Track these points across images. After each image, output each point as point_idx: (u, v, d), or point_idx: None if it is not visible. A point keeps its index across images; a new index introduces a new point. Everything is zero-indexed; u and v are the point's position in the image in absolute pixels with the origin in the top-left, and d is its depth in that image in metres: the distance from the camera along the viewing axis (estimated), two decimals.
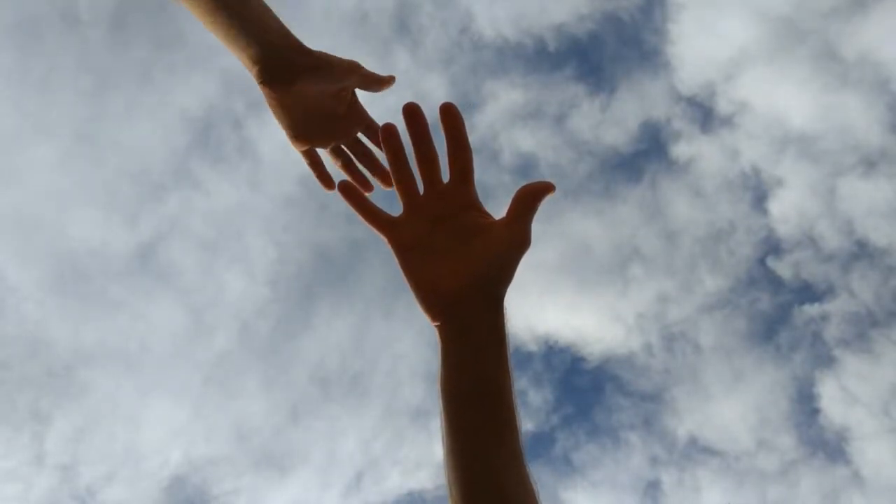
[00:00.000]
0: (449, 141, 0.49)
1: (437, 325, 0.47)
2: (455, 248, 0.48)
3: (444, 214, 0.49)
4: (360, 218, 0.51)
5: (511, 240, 0.47)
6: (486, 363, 0.45)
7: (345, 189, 0.51)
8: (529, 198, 0.48)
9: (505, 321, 0.46)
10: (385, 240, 0.50)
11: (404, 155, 0.50)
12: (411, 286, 0.48)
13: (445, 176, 0.50)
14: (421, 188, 0.50)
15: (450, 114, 0.49)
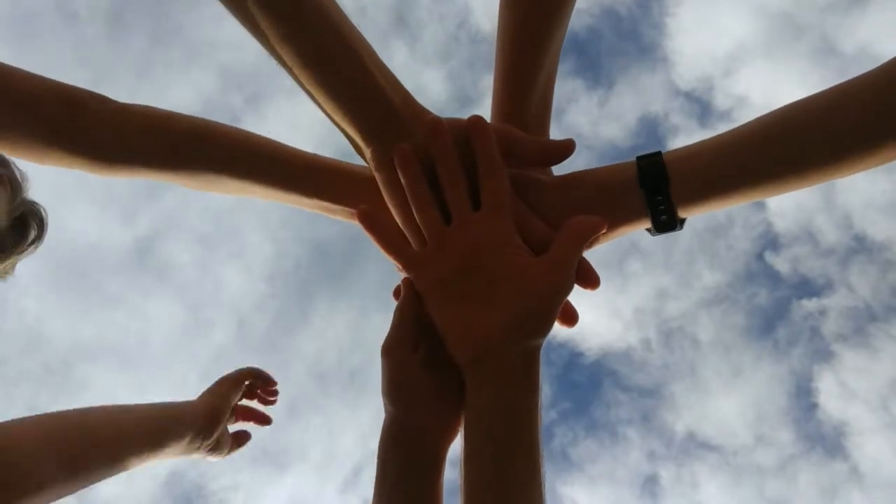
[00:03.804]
0: (480, 163, 0.43)
1: (465, 370, 0.41)
2: (487, 292, 0.41)
3: (475, 250, 0.42)
4: (381, 251, 0.45)
5: (552, 285, 0.41)
6: (515, 416, 0.40)
7: (364, 217, 0.45)
8: (578, 235, 0.42)
9: (539, 371, 0.41)
10: (410, 277, 0.44)
11: (424, 179, 0.43)
12: (439, 329, 0.43)
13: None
14: (447, 218, 0.44)
15: (480, 129, 0.43)
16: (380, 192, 0.44)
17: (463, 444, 0.41)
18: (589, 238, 0.43)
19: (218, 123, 0.48)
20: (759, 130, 0.42)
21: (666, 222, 0.43)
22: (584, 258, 0.44)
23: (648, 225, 0.44)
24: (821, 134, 0.40)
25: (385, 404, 0.45)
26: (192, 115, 0.48)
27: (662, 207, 0.43)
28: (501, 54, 0.48)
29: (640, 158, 0.44)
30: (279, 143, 0.48)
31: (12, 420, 0.51)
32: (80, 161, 0.46)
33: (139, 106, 0.47)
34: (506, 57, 0.48)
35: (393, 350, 0.44)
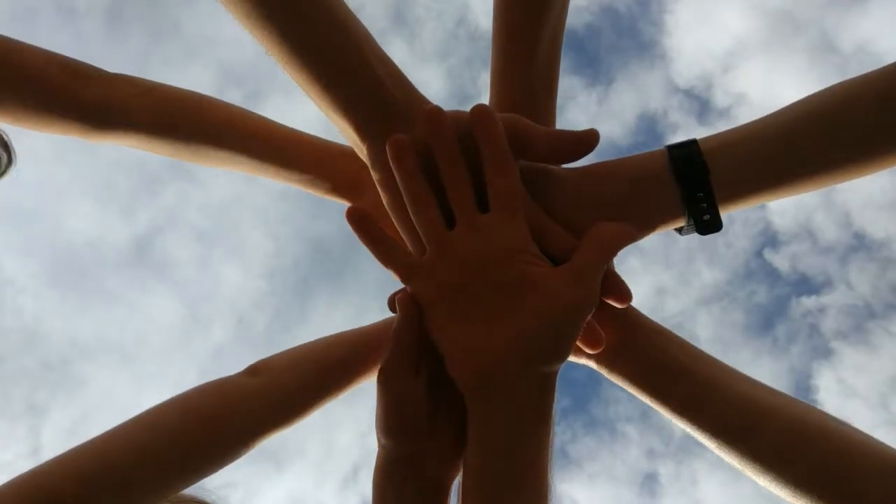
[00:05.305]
0: (486, 157, 0.37)
1: (467, 399, 0.36)
2: (495, 308, 0.36)
3: (481, 258, 0.36)
4: (375, 258, 0.40)
5: (573, 300, 0.35)
6: (524, 450, 0.35)
7: (354, 218, 0.40)
8: (605, 244, 0.37)
9: (553, 403, 0.36)
10: (407, 288, 0.38)
11: (422, 176, 0.38)
12: (439, 348, 0.37)
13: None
14: (451, 221, 0.38)
15: (485, 119, 0.37)
16: (364, 166, 0.40)
17: (463, 479, 0.37)
18: (619, 249, 0.37)
19: (210, 97, 0.49)
20: (808, 113, 0.37)
21: (709, 222, 0.38)
22: (612, 269, 0.40)
23: (682, 224, 0.39)
24: (885, 117, 0.36)
25: (379, 436, 0.39)
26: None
27: (705, 205, 0.37)
28: (496, 33, 0.45)
29: (671, 148, 0.38)
30: (269, 119, 0.50)
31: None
32: (75, 125, 0.46)
33: (134, 76, 0.49)
34: (501, 35, 0.44)
35: (391, 376, 0.38)
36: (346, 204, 0.49)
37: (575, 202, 0.39)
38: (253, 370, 0.44)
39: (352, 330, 0.47)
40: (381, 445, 0.40)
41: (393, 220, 0.40)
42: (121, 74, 0.48)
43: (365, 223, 0.39)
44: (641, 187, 0.38)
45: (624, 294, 0.39)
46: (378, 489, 0.40)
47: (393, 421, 0.38)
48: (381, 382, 0.38)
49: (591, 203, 0.39)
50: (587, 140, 0.38)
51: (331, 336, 0.47)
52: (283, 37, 0.36)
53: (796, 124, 0.37)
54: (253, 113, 0.50)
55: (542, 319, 0.35)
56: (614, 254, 0.37)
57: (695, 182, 0.37)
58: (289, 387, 0.43)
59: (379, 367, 0.40)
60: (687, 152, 0.37)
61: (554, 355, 0.36)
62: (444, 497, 0.40)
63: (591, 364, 0.43)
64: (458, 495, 0.38)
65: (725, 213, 0.38)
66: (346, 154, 0.47)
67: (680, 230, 0.40)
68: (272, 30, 0.36)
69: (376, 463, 0.40)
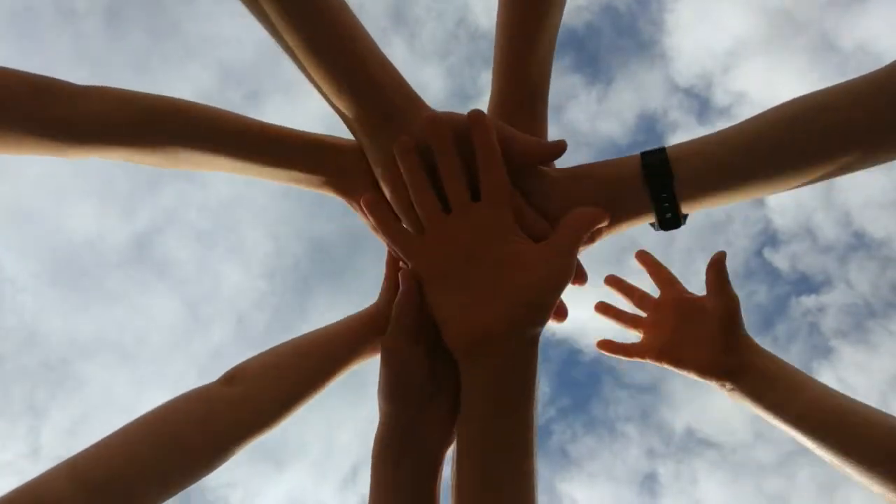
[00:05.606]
0: (479, 156, 0.43)
1: (461, 363, 0.41)
2: (487, 280, 0.41)
3: (474, 238, 0.43)
4: (381, 237, 0.46)
5: (554, 271, 0.41)
6: (514, 403, 0.40)
7: (371, 204, 0.45)
8: (580, 224, 0.43)
9: (537, 361, 0.41)
10: (408, 265, 0.44)
11: (423, 169, 0.43)
12: (436, 319, 0.42)
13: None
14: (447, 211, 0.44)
15: (480, 122, 0.43)
16: (355, 160, 0.46)
17: (457, 444, 0.41)
18: (591, 227, 0.43)
19: (187, 100, 0.48)
20: (765, 125, 0.43)
21: (670, 220, 0.44)
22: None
23: (652, 220, 0.45)
24: (829, 129, 0.41)
25: (381, 404, 0.44)
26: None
27: (667, 205, 0.44)
28: (498, 46, 0.51)
29: (644, 154, 0.44)
30: (252, 118, 0.49)
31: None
32: (47, 143, 0.44)
33: (106, 86, 0.47)
34: (502, 48, 0.50)
35: (395, 343, 0.44)
36: (337, 198, 0.49)
37: (556, 198, 0.46)
38: (230, 378, 0.47)
39: (324, 327, 0.52)
40: (382, 413, 0.44)
41: (395, 208, 0.45)
42: (92, 86, 0.46)
43: (379, 208, 0.45)
44: (615, 187, 0.45)
45: (581, 276, 0.47)
46: (376, 458, 0.44)
47: (395, 387, 0.44)
48: (386, 349, 0.44)
49: (571, 199, 0.45)
50: (554, 149, 0.45)
51: (303, 336, 0.51)
52: (297, 43, 0.41)
53: (760, 130, 0.42)
54: (234, 112, 0.49)
55: (525, 288, 0.41)
56: (588, 231, 0.43)
57: (659, 185, 0.43)
58: (266, 394, 0.47)
59: (354, 362, 0.49)
60: (656, 159, 0.44)
61: (537, 319, 0.41)
62: (438, 473, 0.44)
63: (718, 385, 0.62)
64: (452, 467, 0.41)
65: (693, 211, 0.45)
66: (337, 146, 0.48)
67: (653, 225, 0.46)
68: (288, 35, 0.41)
69: (376, 436, 0.44)
